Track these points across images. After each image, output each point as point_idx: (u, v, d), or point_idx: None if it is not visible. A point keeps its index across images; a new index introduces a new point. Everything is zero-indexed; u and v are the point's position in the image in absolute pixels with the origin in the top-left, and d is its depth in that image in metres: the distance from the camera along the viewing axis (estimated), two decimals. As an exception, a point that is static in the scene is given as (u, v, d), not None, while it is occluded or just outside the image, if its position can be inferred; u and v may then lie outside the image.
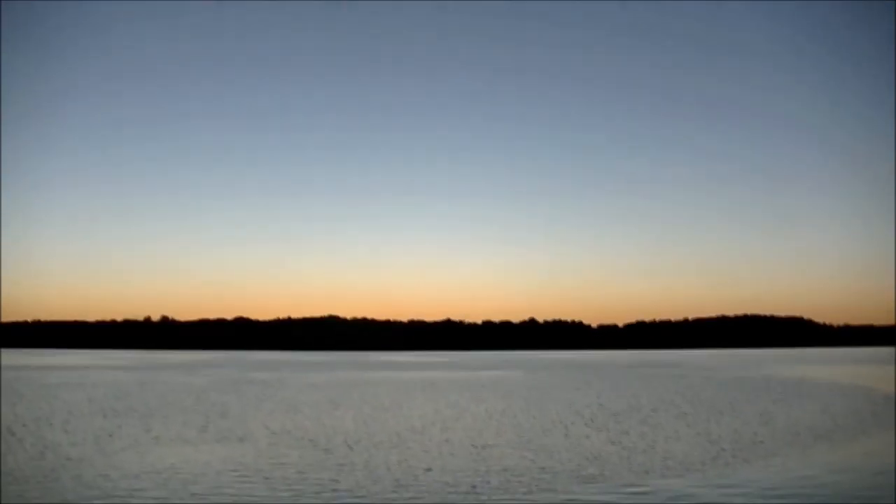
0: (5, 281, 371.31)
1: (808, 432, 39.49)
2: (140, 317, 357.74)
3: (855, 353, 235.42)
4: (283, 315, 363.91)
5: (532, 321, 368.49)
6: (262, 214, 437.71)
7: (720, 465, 29.32)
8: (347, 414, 49.03)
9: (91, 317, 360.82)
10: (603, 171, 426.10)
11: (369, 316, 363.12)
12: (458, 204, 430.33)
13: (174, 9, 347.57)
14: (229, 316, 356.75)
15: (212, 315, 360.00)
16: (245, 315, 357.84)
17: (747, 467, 29.02)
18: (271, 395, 66.44)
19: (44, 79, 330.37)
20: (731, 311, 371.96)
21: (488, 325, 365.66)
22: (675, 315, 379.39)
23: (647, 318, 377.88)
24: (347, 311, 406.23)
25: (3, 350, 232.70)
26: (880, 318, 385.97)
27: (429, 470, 28.02)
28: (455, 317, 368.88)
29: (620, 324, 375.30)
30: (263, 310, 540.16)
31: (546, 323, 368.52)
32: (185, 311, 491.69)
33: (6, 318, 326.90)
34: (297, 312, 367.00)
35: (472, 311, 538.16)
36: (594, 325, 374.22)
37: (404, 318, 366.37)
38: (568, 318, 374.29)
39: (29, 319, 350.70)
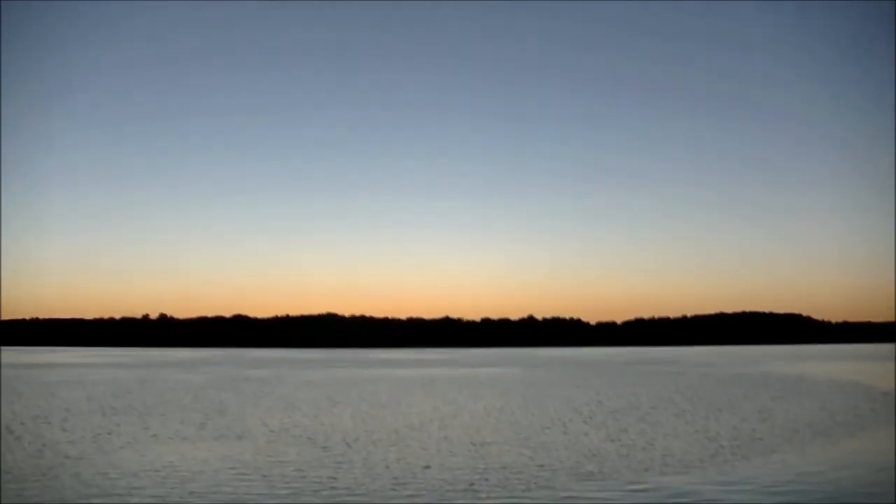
0: (4, 279, 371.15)
1: (807, 429, 39.50)
2: (138, 314, 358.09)
3: (853, 349, 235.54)
4: (281, 313, 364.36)
5: (531, 318, 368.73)
6: (261, 212, 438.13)
7: (719, 463, 29.32)
8: (346, 411, 49.00)
9: (89, 314, 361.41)
10: (601, 168, 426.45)
11: (368, 313, 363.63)
12: (456, 201, 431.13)
13: (173, 8, 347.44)
14: (227, 314, 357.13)
15: (210, 313, 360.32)
16: (243, 313, 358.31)
17: (746, 464, 29.03)
18: (269, 392, 66.42)
19: (43, 78, 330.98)
20: (729, 308, 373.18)
21: (487, 323, 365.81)
22: (674, 312, 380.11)
23: (646, 315, 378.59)
24: (346, 309, 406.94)
25: (2, 348, 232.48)
26: (879, 315, 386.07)
27: (427, 467, 28.00)
28: (454, 314, 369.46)
29: (619, 321, 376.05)
30: (262, 307, 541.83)
31: (544, 320, 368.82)
32: (184, 308, 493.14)
33: (5, 316, 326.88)
34: (296, 310, 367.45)
35: (471, 308, 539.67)
36: (593, 322, 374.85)
37: (403, 315, 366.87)
38: (566, 315, 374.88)
39: (27, 317, 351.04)
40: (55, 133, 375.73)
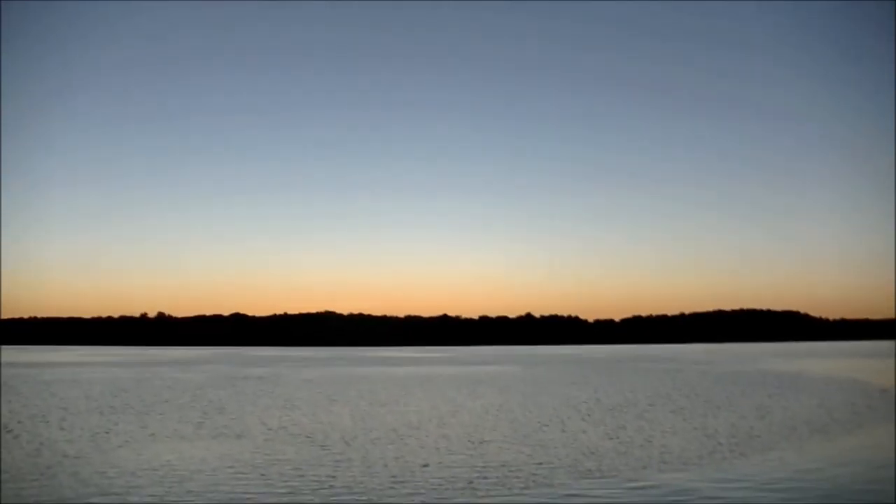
0: (2, 278, 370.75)
1: (805, 426, 39.55)
2: (136, 313, 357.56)
3: (851, 346, 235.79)
4: (279, 311, 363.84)
5: (529, 316, 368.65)
6: (259, 211, 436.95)
7: (717, 460, 29.35)
8: (344, 410, 49.01)
9: (87, 313, 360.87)
10: (599, 167, 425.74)
11: (366, 311, 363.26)
12: (454, 200, 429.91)
13: (173, 8, 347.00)
14: (226, 312, 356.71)
15: (208, 311, 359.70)
16: (241, 311, 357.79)
17: (744, 461, 29.06)
18: (268, 391, 66.41)
19: (43, 78, 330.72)
20: (727, 306, 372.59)
21: (485, 321, 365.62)
22: (672, 309, 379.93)
23: (644, 312, 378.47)
24: (344, 307, 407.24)
25: (1, 347, 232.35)
26: (876, 312, 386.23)
27: (426, 466, 28.02)
28: (452, 312, 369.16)
29: (617, 318, 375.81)
30: (260, 306, 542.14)
31: (543, 318, 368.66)
32: (182, 307, 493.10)
33: (3, 315, 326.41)
34: (294, 308, 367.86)
35: (469, 306, 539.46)
36: (591, 319, 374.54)
37: (401, 313, 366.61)
38: (564, 313, 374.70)
39: (25, 316, 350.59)
40: (55, 133, 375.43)
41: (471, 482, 24.96)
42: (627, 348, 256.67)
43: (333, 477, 25.93)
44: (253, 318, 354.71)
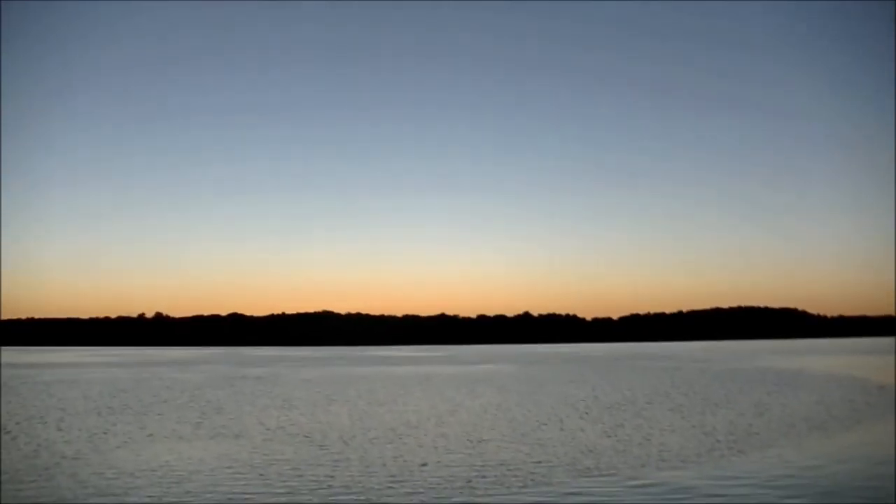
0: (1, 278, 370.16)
1: (804, 423, 39.58)
2: (134, 313, 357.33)
3: (849, 343, 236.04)
4: (277, 311, 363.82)
5: (527, 315, 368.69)
6: (256, 211, 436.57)
7: (716, 457, 29.36)
8: (342, 409, 49.00)
9: (85, 314, 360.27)
10: (597, 165, 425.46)
11: (363, 311, 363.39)
12: (452, 198, 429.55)
13: (173, 8, 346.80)
14: (223, 312, 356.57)
15: (206, 311, 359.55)
16: (239, 311, 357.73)
17: (743, 459, 29.07)
18: (266, 391, 66.38)
19: (43, 78, 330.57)
20: (725, 303, 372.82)
21: (483, 319, 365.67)
22: (670, 307, 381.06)
23: (642, 310, 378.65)
24: (342, 307, 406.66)
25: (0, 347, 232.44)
26: (874, 309, 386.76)
27: (424, 465, 28.00)
28: (449, 311, 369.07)
29: (615, 316, 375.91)
30: (258, 306, 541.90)
31: (541, 316, 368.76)
32: (180, 307, 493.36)
33: (1, 316, 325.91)
34: (292, 308, 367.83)
35: (467, 305, 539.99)
36: (589, 318, 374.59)
37: (399, 312, 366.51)
38: (562, 311, 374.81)
39: (23, 317, 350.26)
40: (55, 133, 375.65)
41: (469, 481, 24.95)
42: (625, 346, 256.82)
43: (332, 476, 25.91)
44: (251, 317, 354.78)
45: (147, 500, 22.76)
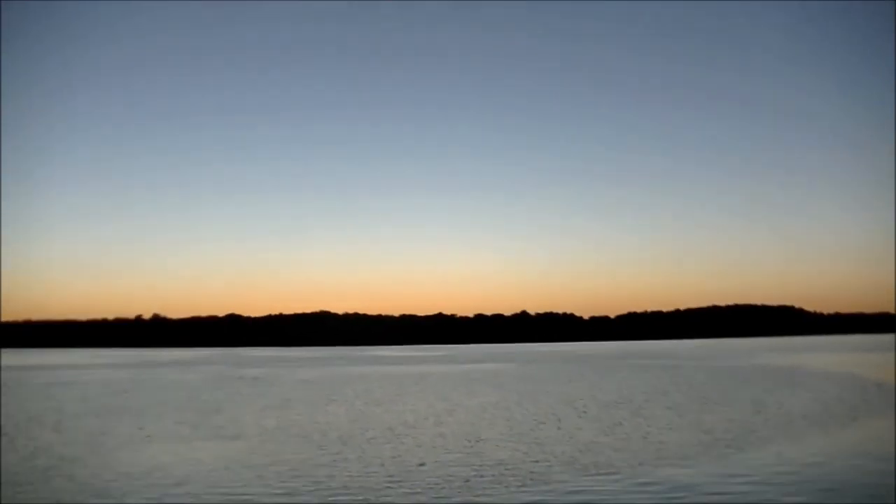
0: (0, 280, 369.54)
1: (801, 420, 39.61)
2: (132, 315, 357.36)
3: (846, 340, 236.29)
4: (274, 311, 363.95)
5: (524, 314, 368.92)
6: (253, 211, 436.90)
7: (714, 455, 29.37)
8: (340, 409, 48.99)
9: (82, 316, 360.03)
10: (593, 163, 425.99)
11: (361, 311, 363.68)
12: (449, 198, 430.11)
13: (174, 8, 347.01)
14: (221, 313, 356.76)
15: (203, 312, 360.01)
16: (237, 312, 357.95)
17: (741, 456, 29.09)
18: (264, 391, 66.37)
19: (43, 78, 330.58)
20: (722, 301, 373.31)
21: (480, 319, 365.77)
22: (667, 306, 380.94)
23: (639, 309, 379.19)
24: (339, 307, 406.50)
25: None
26: (871, 306, 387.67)
27: (422, 465, 28.01)
28: (447, 310, 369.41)
29: (612, 315, 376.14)
30: (255, 306, 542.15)
31: (538, 315, 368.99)
32: (177, 308, 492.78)
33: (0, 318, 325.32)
34: (289, 308, 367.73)
35: (464, 304, 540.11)
36: (586, 316, 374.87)
37: (396, 312, 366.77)
38: (560, 310, 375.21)
39: (20, 319, 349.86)
40: (49, 134, 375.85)
41: (468, 480, 24.96)
42: (623, 345, 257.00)
43: (330, 477, 25.91)
44: (248, 318, 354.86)
45: (145, 501, 22.75)
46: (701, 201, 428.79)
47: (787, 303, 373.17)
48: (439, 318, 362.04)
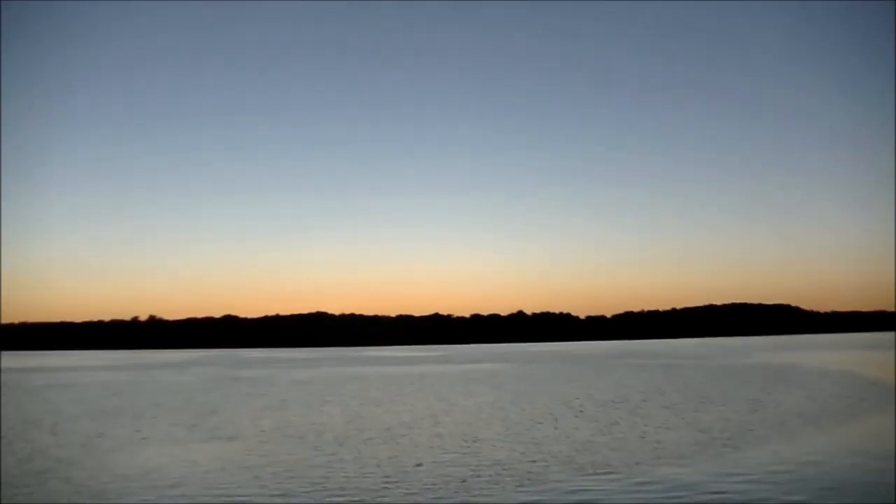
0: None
1: (798, 419, 39.63)
2: (127, 317, 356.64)
3: (843, 339, 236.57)
4: (270, 312, 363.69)
5: (520, 314, 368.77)
6: (249, 212, 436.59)
7: (711, 454, 29.38)
8: (337, 410, 48.96)
9: (78, 317, 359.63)
10: (590, 163, 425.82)
11: (357, 311, 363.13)
12: (445, 198, 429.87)
13: (174, 8, 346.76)
14: (217, 314, 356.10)
15: (199, 314, 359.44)
16: (233, 313, 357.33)
17: (738, 455, 29.10)
18: (260, 392, 66.30)
19: (43, 78, 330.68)
20: (718, 300, 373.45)
21: (477, 319, 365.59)
22: (663, 305, 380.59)
23: (635, 308, 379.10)
24: (335, 307, 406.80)
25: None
26: (866, 305, 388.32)
27: (419, 465, 27.99)
28: (443, 311, 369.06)
29: (608, 314, 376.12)
30: (251, 307, 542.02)
31: (534, 315, 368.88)
32: (173, 310, 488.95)
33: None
34: (285, 309, 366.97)
35: (461, 304, 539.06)
36: (582, 316, 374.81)
37: (392, 312, 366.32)
38: (556, 309, 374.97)
39: (16, 321, 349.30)
40: (55, 133, 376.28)
41: (465, 481, 24.93)
42: (619, 344, 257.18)
43: (327, 477, 25.88)
44: (244, 319, 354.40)
45: (142, 502, 22.71)
46: (701, 201, 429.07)
47: (784, 301, 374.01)
48: (436, 318, 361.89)
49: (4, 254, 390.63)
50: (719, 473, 25.43)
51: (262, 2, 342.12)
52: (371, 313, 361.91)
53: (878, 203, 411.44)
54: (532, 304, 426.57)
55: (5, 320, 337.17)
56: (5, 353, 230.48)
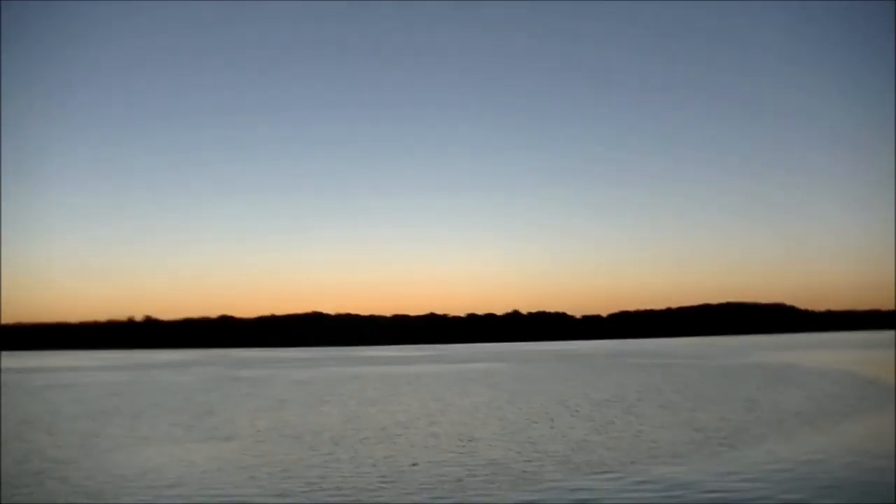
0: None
1: (794, 418, 39.72)
2: (123, 317, 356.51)
3: (838, 338, 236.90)
4: (267, 312, 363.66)
5: (516, 313, 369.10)
6: (244, 212, 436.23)
7: (706, 453, 29.44)
8: (333, 410, 48.98)
9: (74, 318, 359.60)
10: (585, 162, 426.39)
11: (353, 311, 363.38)
12: (440, 198, 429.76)
13: (174, 8, 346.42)
14: (213, 314, 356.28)
15: (196, 314, 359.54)
16: (229, 313, 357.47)
17: (734, 454, 29.16)
18: (257, 392, 66.30)
19: (43, 78, 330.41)
20: (714, 299, 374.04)
21: (472, 318, 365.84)
22: (659, 304, 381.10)
23: (631, 307, 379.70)
24: (331, 307, 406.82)
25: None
26: (861, 304, 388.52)
27: (415, 465, 28.03)
28: (439, 310, 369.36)
29: (604, 314, 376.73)
30: (247, 307, 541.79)
31: (530, 314, 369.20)
32: (169, 310, 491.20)
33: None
34: (281, 309, 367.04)
35: (456, 304, 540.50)
36: (578, 315, 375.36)
37: (388, 312, 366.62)
38: (552, 309, 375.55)
39: (11, 322, 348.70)
40: (54, 133, 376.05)
41: (461, 480, 24.98)
42: (615, 343, 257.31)
43: (323, 477, 25.92)
44: (240, 319, 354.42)
45: (139, 502, 22.74)
46: (692, 200, 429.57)
47: (779, 300, 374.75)
48: (431, 317, 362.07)
49: (4, 254, 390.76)
50: (715, 473, 25.49)
51: (262, 2, 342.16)
52: (367, 313, 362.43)
53: (878, 203, 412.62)
54: (527, 304, 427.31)
55: (5, 320, 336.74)
56: (4, 354, 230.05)
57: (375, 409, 49.19)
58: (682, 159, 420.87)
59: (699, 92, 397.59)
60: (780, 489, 22.93)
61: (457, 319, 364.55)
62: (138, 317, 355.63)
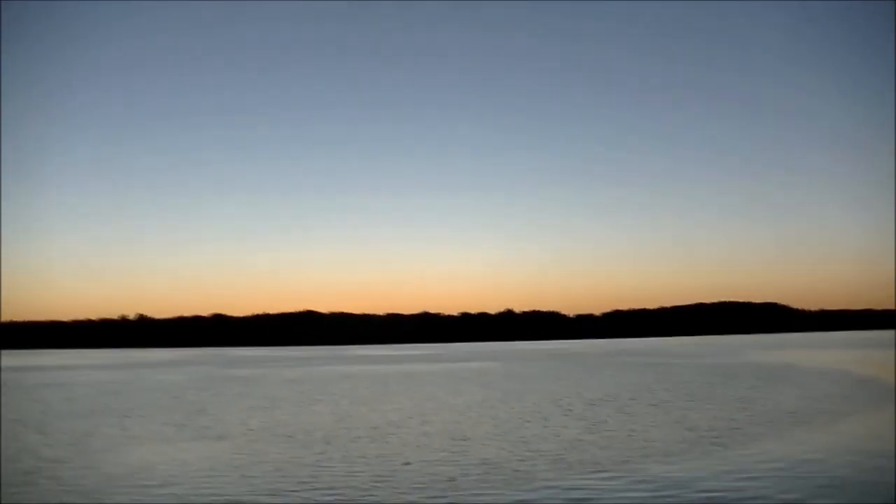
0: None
1: (786, 417, 39.76)
2: (116, 315, 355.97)
3: (831, 337, 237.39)
4: (259, 311, 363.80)
5: (509, 312, 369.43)
6: (238, 211, 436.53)
7: (699, 452, 29.44)
8: (326, 409, 48.91)
9: (67, 316, 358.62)
10: (580, 162, 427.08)
11: (346, 310, 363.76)
12: (434, 198, 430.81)
13: (174, 8, 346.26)
14: (206, 313, 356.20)
15: (188, 312, 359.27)
16: (222, 312, 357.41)
17: (726, 453, 29.16)
18: (249, 391, 66.20)
19: (43, 78, 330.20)
20: (707, 299, 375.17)
21: (465, 317, 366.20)
22: (652, 303, 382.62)
23: (624, 306, 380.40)
24: (324, 306, 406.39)
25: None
26: (855, 303, 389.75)
27: (408, 464, 27.98)
28: (432, 309, 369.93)
29: (597, 313, 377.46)
30: (240, 306, 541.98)
31: (523, 314, 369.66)
32: (162, 308, 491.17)
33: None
34: (274, 308, 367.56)
35: (449, 303, 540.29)
36: (571, 314, 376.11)
37: (381, 311, 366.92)
38: (545, 308, 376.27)
39: (4, 320, 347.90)
40: (54, 133, 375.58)
41: (453, 479, 24.93)
42: (608, 342, 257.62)
43: (315, 477, 25.85)
44: (233, 318, 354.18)
45: (131, 502, 22.65)
46: (686, 199, 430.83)
47: (773, 300, 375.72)
48: (424, 316, 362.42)
49: (4, 254, 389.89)
50: (708, 471, 25.47)
51: (262, 2, 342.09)
52: (360, 312, 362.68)
53: (878, 203, 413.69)
54: (521, 303, 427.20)
55: (5, 319, 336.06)
56: (4, 353, 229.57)
57: (368, 408, 49.14)
58: (681, 159, 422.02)
59: (699, 92, 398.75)
60: (774, 488, 22.90)
61: (450, 318, 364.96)
62: (131, 315, 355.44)
